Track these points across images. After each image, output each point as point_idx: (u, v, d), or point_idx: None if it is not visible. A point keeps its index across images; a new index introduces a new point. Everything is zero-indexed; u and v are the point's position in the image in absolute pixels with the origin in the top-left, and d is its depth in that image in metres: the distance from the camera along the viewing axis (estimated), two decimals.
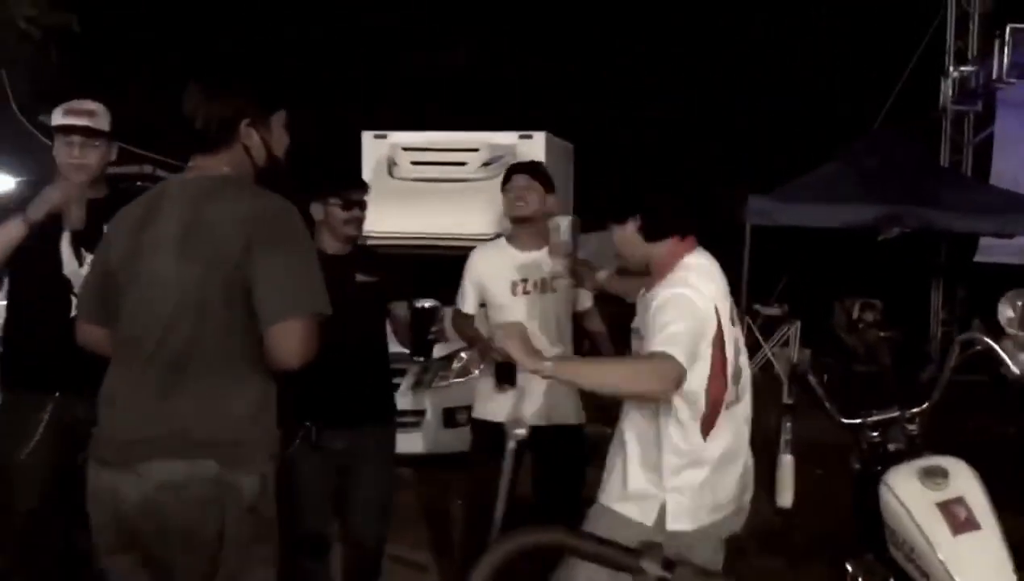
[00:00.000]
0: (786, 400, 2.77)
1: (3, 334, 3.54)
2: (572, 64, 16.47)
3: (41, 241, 3.32)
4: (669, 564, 1.07)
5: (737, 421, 2.67)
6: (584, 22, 16.58)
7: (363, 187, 3.76)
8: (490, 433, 3.72)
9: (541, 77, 16.35)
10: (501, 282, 3.85)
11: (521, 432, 2.51)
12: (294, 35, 15.99)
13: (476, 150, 8.44)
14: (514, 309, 3.75)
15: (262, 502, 2.36)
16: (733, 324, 2.73)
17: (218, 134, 2.40)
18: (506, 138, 8.64)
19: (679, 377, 2.40)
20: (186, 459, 2.26)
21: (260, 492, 2.35)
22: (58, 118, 3.40)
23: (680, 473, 2.61)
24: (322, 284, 2.36)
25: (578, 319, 4.03)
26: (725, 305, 2.69)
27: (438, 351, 6.78)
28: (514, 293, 3.82)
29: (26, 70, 10.30)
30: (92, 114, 3.41)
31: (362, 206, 3.69)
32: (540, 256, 3.82)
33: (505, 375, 3.63)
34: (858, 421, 2.86)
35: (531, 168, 3.96)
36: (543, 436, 3.67)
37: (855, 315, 11.99)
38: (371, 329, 3.75)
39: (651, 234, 2.76)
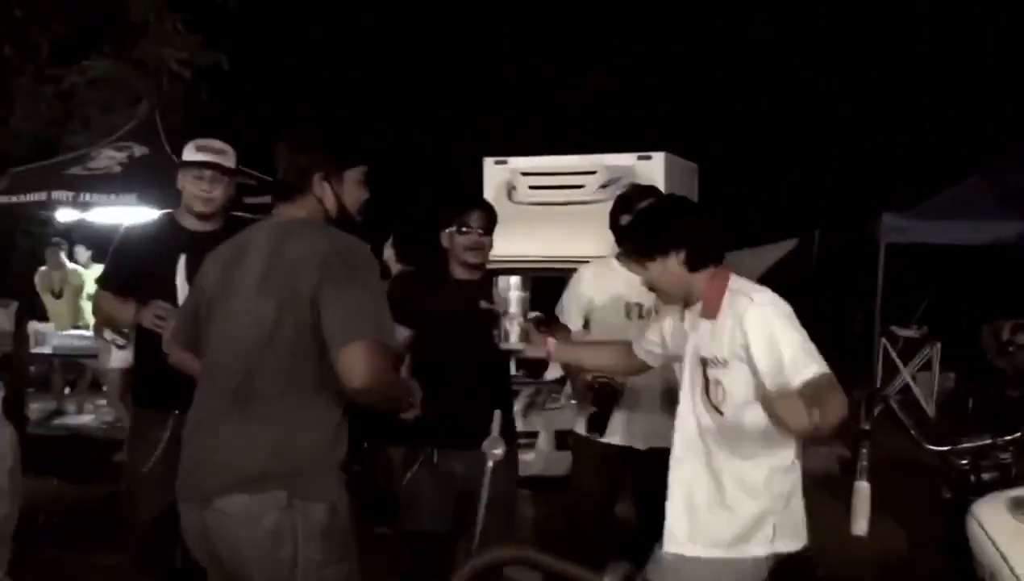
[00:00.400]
0: (863, 425, 2.69)
1: (135, 357, 3.86)
2: (699, 83, 16.29)
3: (160, 272, 3.60)
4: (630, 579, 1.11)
5: None
6: (710, 40, 16.39)
7: (484, 211, 3.73)
8: (593, 452, 3.81)
9: (670, 97, 16.27)
10: (614, 304, 3.80)
11: (498, 452, 2.60)
12: (427, 69, 16.47)
13: (593, 173, 8.48)
14: (628, 334, 3.59)
15: (332, 527, 2.49)
16: None
17: (294, 184, 2.62)
18: (624, 160, 8.64)
19: None
20: (259, 492, 2.41)
21: (329, 518, 2.48)
22: (190, 154, 3.68)
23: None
24: (388, 317, 2.49)
25: None
26: None
27: (551, 373, 6.93)
28: (628, 317, 3.77)
29: (176, 108, 11.00)
30: (222, 152, 3.70)
31: (484, 231, 3.68)
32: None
33: (597, 424, 3.67)
34: (946, 448, 2.76)
35: (648, 193, 3.92)
36: (644, 460, 3.70)
37: (1005, 337, 11.31)
38: (493, 354, 3.65)
39: (696, 264, 2.73)
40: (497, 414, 3.38)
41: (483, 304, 3.57)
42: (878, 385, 10.27)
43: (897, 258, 9.97)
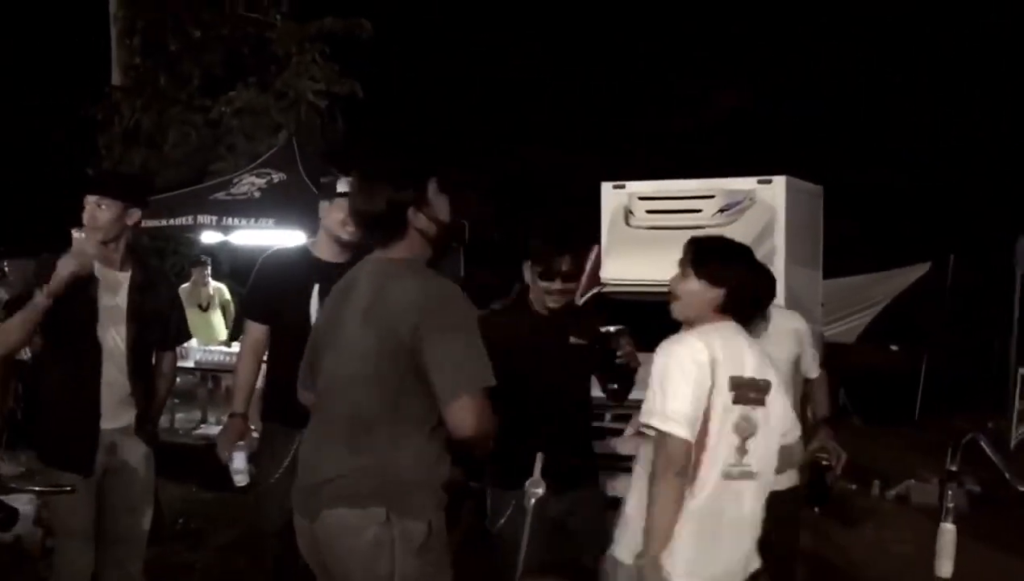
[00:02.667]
0: (950, 466, 2.68)
1: (267, 375, 4.06)
2: (827, 104, 15.91)
3: (295, 301, 3.80)
4: None
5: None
6: (839, 61, 15.98)
7: (572, 256, 3.61)
8: None
9: (797, 118, 15.95)
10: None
11: (538, 491, 2.66)
12: (550, 96, 16.65)
13: (711, 197, 8.44)
14: None
15: (428, 545, 2.63)
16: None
17: (392, 229, 2.70)
18: (744, 184, 8.56)
19: None
20: (360, 508, 2.58)
21: (426, 536, 2.63)
22: (344, 187, 3.80)
23: None
24: (486, 358, 2.58)
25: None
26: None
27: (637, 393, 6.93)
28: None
29: (313, 136, 11.52)
30: None
31: (570, 277, 3.60)
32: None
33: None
34: None
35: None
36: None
37: None
38: (579, 390, 3.74)
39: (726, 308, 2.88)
40: (540, 456, 3.34)
41: (572, 339, 3.64)
42: (1015, 418, 9.83)
43: None
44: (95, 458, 3.62)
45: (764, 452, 2.82)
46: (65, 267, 3.49)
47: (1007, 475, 2.72)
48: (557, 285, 3.58)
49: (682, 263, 2.94)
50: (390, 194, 2.68)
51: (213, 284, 10.03)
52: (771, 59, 16.37)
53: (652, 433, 2.69)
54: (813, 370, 3.99)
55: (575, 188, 11.79)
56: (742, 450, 2.78)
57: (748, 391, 2.78)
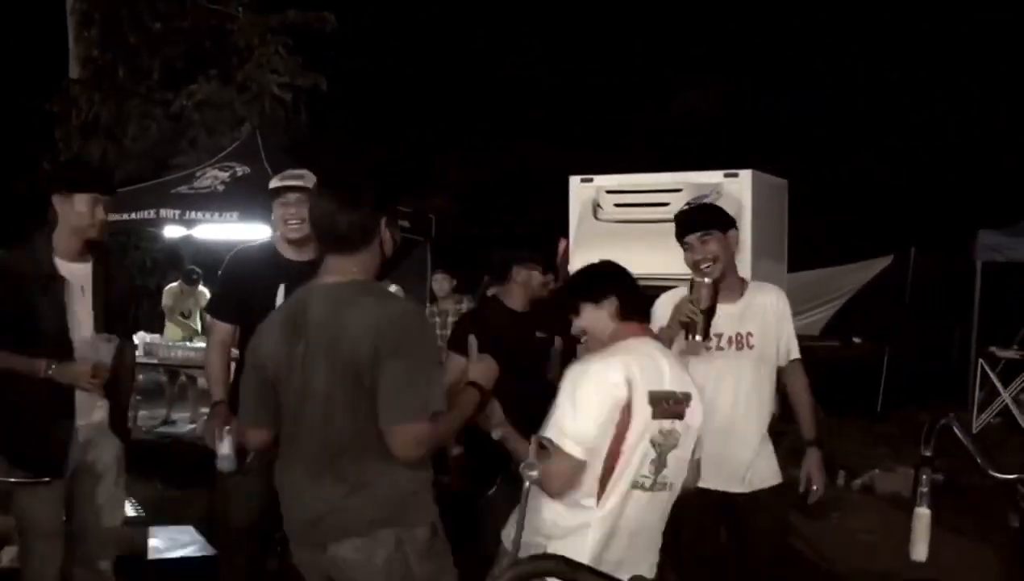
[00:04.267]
0: (924, 451, 2.69)
1: (235, 373, 4.04)
2: (791, 98, 16.07)
3: (262, 301, 3.69)
4: None
5: None
6: (802, 56, 16.15)
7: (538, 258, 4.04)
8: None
9: (762, 113, 16.10)
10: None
11: (533, 475, 2.70)
12: (515, 89, 16.67)
13: (679, 190, 8.47)
14: (710, 367, 3.60)
15: (435, 544, 2.69)
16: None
17: (362, 238, 2.65)
18: (710, 177, 8.58)
19: None
20: (369, 536, 2.60)
21: (432, 536, 2.68)
22: (275, 182, 3.93)
23: None
24: (439, 383, 2.61)
25: (782, 375, 3.86)
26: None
27: None
28: (707, 348, 3.69)
29: (277, 129, 11.43)
30: (301, 177, 3.92)
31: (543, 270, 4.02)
32: (735, 309, 3.69)
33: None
34: (1014, 476, 2.74)
35: (699, 222, 3.75)
36: (742, 503, 3.69)
37: None
38: (546, 382, 3.89)
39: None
40: (534, 438, 3.45)
41: (538, 334, 3.95)
42: (976, 407, 10.01)
43: (994, 277, 9.70)
44: (67, 459, 3.55)
45: (680, 465, 2.87)
46: (71, 375, 3.45)
47: (979, 459, 2.73)
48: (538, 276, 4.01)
49: (569, 310, 3.06)
50: (373, 205, 2.67)
51: (201, 290, 9.93)
52: (737, 54, 16.51)
53: (547, 444, 2.74)
54: (792, 352, 3.82)
55: (544, 182, 11.79)
56: (659, 463, 2.81)
57: (667, 404, 2.81)
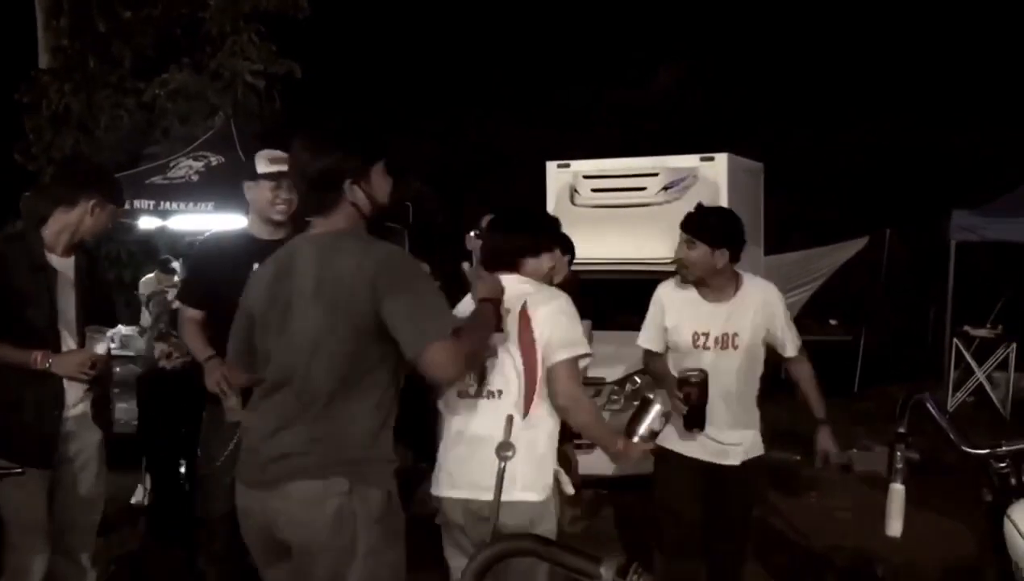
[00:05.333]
0: (898, 428, 2.72)
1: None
2: (764, 81, 16.13)
3: (235, 282, 3.74)
4: (623, 571, 1.22)
5: None
6: (775, 38, 16.21)
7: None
8: (677, 463, 3.85)
9: (736, 97, 16.15)
10: (685, 330, 3.84)
11: (509, 455, 2.78)
12: (490, 74, 16.63)
13: (655, 174, 8.51)
14: (698, 363, 3.72)
15: (388, 512, 2.66)
16: None
17: (326, 197, 2.67)
18: (687, 161, 8.66)
19: None
20: (322, 479, 2.59)
21: (386, 505, 2.65)
22: (264, 166, 3.82)
23: None
24: (445, 309, 2.66)
25: (786, 365, 4.03)
26: None
27: (611, 374, 7.00)
28: (695, 345, 3.82)
29: (251, 118, 11.32)
30: (287, 161, 3.86)
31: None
32: (723, 310, 3.80)
33: (694, 420, 3.68)
34: (986, 451, 2.77)
35: (691, 227, 3.82)
36: (717, 474, 3.82)
37: None
38: None
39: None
40: (508, 416, 3.53)
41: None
42: (951, 386, 10.12)
43: (968, 256, 9.80)
44: (55, 450, 3.54)
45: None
46: (68, 367, 3.46)
47: (952, 436, 2.77)
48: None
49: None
50: (332, 160, 2.66)
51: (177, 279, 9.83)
52: (712, 37, 16.53)
53: None
54: (788, 348, 3.93)
55: (520, 166, 11.79)
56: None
57: None
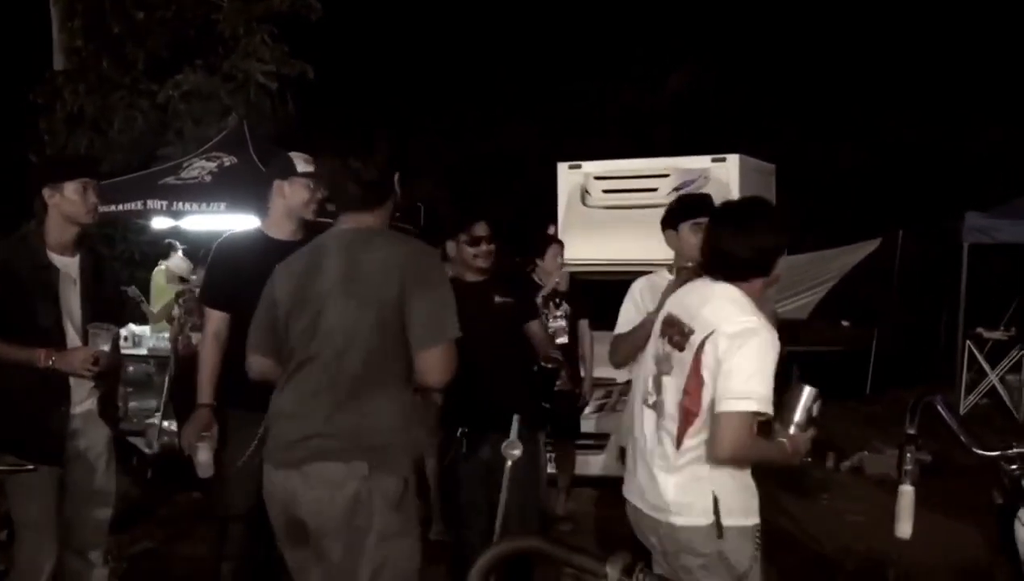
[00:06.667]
0: (908, 429, 2.72)
1: (228, 360, 3.88)
2: (778, 83, 16.08)
3: (257, 283, 3.78)
4: (629, 570, 1.22)
5: None
6: (789, 40, 16.15)
7: (487, 222, 4.21)
8: None
9: (749, 98, 16.10)
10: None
11: (515, 453, 2.83)
12: (505, 75, 16.63)
13: (666, 176, 8.52)
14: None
15: (404, 501, 2.76)
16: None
17: (379, 194, 2.86)
18: (698, 162, 8.66)
19: None
20: (343, 462, 2.71)
21: (403, 492, 2.75)
22: (303, 166, 3.83)
23: None
24: (455, 313, 2.78)
25: None
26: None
27: (621, 375, 6.99)
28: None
29: (264, 119, 11.35)
30: (312, 162, 3.88)
31: (487, 240, 4.16)
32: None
33: None
34: (996, 453, 2.77)
35: (696, 210, 3.84)
36: None
37: None
38: (509, 343, 4.15)
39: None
40: (516, 418, 3.67)
41: (497, 298, 4.13)
42: (963, 388, 10.07)
43: (981, 258, 9.75)
44: (64, 447, 3.56)
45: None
46: (72, 364, 3.49)
47: (962, 438, 2.77)
48: (482, 247, 4.12)
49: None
50: (390, 157, 2.87)
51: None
52: (724, 39, 16.49)
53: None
54: None
55: (531, 167, 11.79)
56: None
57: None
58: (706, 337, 2.72)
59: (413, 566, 2.80)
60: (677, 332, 2.84)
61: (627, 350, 3.88)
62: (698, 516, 2.75)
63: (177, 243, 9.13)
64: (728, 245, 2.83)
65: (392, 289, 2.69)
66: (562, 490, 6.26)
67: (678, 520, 2.77)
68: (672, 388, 2.82)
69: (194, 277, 7.98)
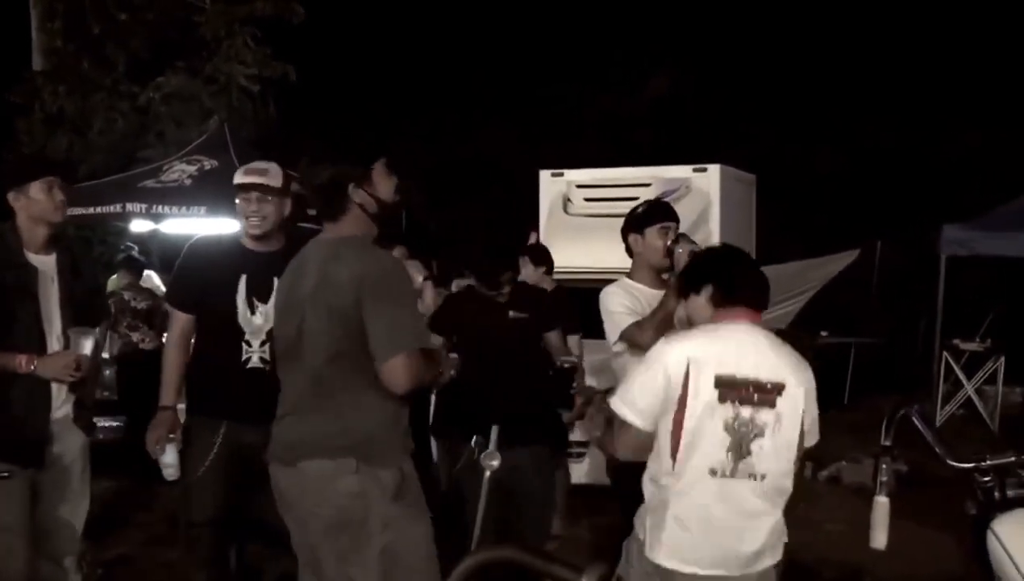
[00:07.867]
0: (884, 441, 2.74)
1: (189, 369, 3.93)
2: (758, 94, 16.18)
3: (222, 290, 3.72)
4: (605, 579, 1.22)
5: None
6: (768, 50, 16.25)
7: (509, 269, 4.34)
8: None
9: (729, 108, 16.18)
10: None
11: (494, 464, 2.89)
12: (485, 82, 16.65)
13: (648, 185, 8.54)
14: None
15: (404, 489, 2.87)
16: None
17: (333, 205, 2.92)
18: (679, 172, 8.70)
19: None
20: (331, 458, 2.84)
21: (400, 481, 2.86)
22: (238, 178, 3.80)
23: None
24: (421, 322, 2.89)
25: None
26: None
27: (601, 384, 7.01)
28: None
29: (245, 122, 11.29)
30: (265, 173, 3.78)
31: (509, 281, 4.31)
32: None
33: None
34: (970, 465, 2.78)
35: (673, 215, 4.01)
36: None
37: None
38: (524, 359, 4.22)
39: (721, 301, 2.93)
40: (495, 428, 3.77)
41: (512, 314, 4.22)
42: (940, 399, 10.14)
43: (959, 271, 9.83)
44: (44, 451, 3.52)
45: (772, 452, 2.81)
46: (54, 369, 3.46)
47: (937, 449, 2.79)
48: (504, 290, 4.31)
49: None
50: (332, 171, 2.91)
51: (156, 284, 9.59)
52: (703, 44, 16.57)
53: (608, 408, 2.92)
54: None
55: (512, 174, 11.79)
56: (739, 451, 2.78)
57: (743, 391, 2.78)
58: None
59: (423, 553, 2.89)
60: (756, 390, 2.81)
61: (654, 332, 3.68)
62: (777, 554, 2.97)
63: (137, 253, 8.87)
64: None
65: (352, 299, 2.79)
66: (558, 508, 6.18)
67: (770, 562, 2.94)
68: (771, 447, 2.82)
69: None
